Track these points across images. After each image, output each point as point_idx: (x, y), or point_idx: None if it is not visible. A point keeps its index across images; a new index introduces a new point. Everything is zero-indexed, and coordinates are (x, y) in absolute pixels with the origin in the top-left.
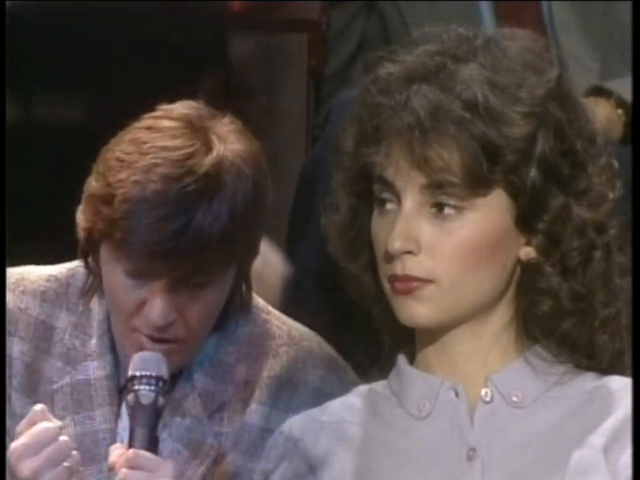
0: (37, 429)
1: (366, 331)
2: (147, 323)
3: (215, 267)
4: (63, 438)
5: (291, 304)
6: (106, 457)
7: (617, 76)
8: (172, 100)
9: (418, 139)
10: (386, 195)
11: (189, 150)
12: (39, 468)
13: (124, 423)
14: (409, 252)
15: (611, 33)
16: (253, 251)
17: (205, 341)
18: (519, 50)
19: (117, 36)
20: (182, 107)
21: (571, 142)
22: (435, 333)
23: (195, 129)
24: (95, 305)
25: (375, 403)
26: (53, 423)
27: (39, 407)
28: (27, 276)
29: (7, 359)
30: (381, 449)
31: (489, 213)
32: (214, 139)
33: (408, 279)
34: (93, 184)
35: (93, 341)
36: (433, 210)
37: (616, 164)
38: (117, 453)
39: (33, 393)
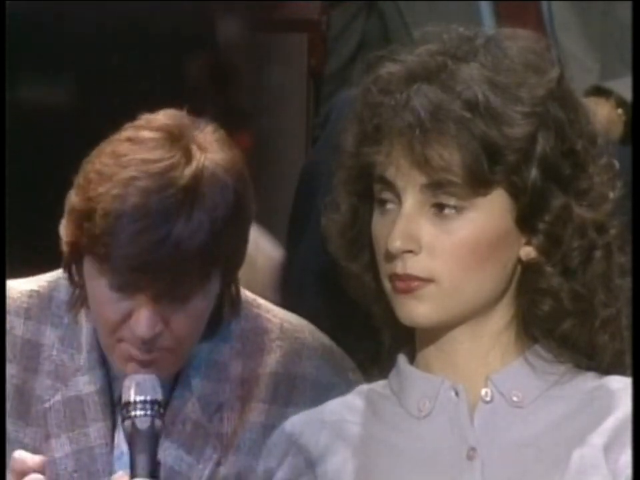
0: None
1: (366, 330)
2: (133, 335)
3: (197, 278)
4: None
5: (291, 304)
6: (104, 471)
7: (617, 76)
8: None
9: (418, 139)
10: (386, 195)
11: (169, 162)
12: None
13: (121, 436)
14: (410, 251)
15: (611, 33)
16: (238, 260)
17: (199, 346)
18: (520, 50)
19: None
20: (163, 117)
21: (572, 142)
22: (435, 333)
23: (175, 139)
24: (82, 319)
25: (375, 403)
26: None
27: (37, 458)
28: (9, 293)
29: None
30: (381, 448)
31: (490, 213)
32: (194, 148)
33: (408, 278)
34: (73, 198)
35: (82, 355)
36: (434, 209)
37: (616, 164)
38: None
39: (25, 415)
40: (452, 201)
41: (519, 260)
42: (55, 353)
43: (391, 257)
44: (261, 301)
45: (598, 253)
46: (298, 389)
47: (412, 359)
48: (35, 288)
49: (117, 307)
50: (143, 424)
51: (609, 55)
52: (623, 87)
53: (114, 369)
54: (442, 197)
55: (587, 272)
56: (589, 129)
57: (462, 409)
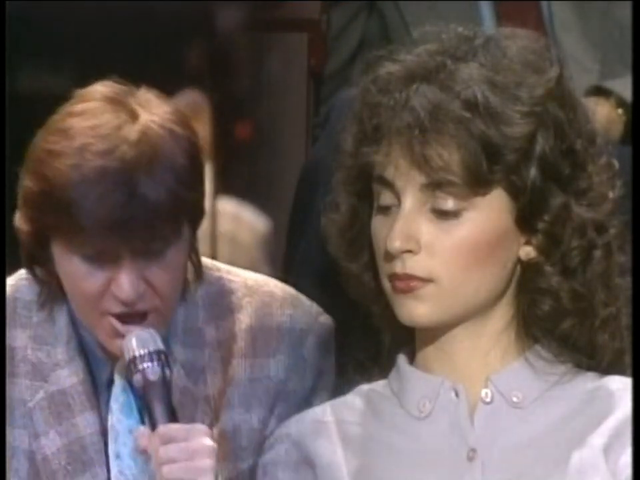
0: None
1: (366, 330)
2: (117, 301)
3: (169, 230)
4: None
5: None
6: (97, 460)
7: (617, 76)
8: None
9: (418, 139)
10: (386, 195)
11: (116, 122)
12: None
13: (114, 418)
14: (409, 251)
15: (611, 33)
16: (202, 209)
17: (173, 317)
18: (519, 49)
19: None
20: (98, 87)
21: (571, 141)
22: (435, 333)
23: (116, 102)
24: (55, 313)
25: (375, 403)
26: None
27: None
28: None
29: None
30: (381, 449)
31: (489, 213)
32: (137, 107)
33: (408, 277)
34: (27, 184)
35: (59, 349)
36: (433, 209)
37: (616, 164)
38: (144, 436)
39: (9, 418)
40: (451, 201)
41: (519, 260)
42: (29, 352)
43: (390, 256)
44: (220, 264)
45: (597, 253)
46: (276, 339)
47: (412, 359)
48: None
49: (95, 280)
50: (153, 375)
51: (609, 55)
52: (623, 87)
53: (96, 355)
54: (441, 196)
55: (586, 271)
56: (588, 129)
57: (462, 409)
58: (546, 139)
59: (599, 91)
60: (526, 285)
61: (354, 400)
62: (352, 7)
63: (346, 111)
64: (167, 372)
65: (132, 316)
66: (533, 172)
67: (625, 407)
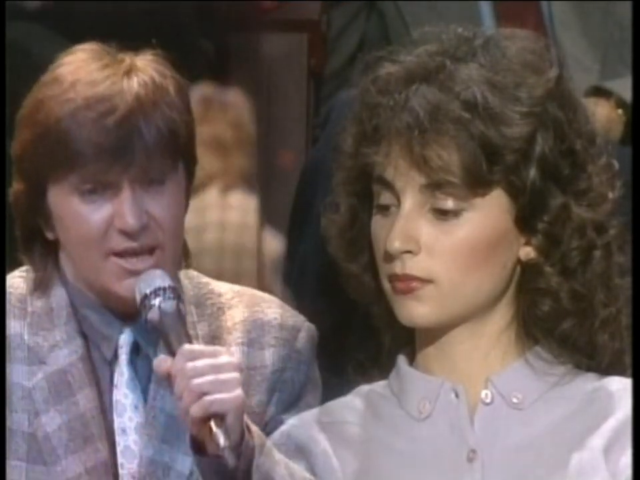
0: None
1: (366, 330)
2: (121, 236)
3: (167, 158)
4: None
5: (291, 304)
6: (98, 435)
7: (617, 76)
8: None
9: (417, 139)
10: (385, 195)
11: (105, 62)
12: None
13: (120, 392)
14: (409, 252)
15: (611, 33)
16: (193, 157)
17: (178, 256)
18: (519, 50)
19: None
20: (81, 46)
21: (571, 142)
22: (434, 333)
23: (102, 52)
24: (52, 298)
25: (376, 404)
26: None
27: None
28: None
29: None
30: (381, 449)
31: (489, 213)
32: (122, 56)
33: (408, 278)
34: (22, 138)
35: (57, 332)
36: (433, 210)
37: (616, 164)
38: (165, 361)
39: (8, 403)
40: (451, 202)
41: (519, 260)
42: (26, 337)
43: (390, 257)
44: (206, 278)
45: (597, 253)
46: (269, 332)
47: (412, 360)
48: None
49: (97, 217)
50: (168, 307)
51: (609, 55)
52: (623, 87)
53: (98, 332)
54: (441, 197)
55: (586, 272)
56: (588, 129)
57: (462, 410)
58: (545, 139)
59: (599, 91)
60: (526, 285)
61: (354, 400)
62: (352, 7)
63: (346, 112)
64: (181, 306)
65: (137, 253)
66: (533, 172)
67: (624, 408)
